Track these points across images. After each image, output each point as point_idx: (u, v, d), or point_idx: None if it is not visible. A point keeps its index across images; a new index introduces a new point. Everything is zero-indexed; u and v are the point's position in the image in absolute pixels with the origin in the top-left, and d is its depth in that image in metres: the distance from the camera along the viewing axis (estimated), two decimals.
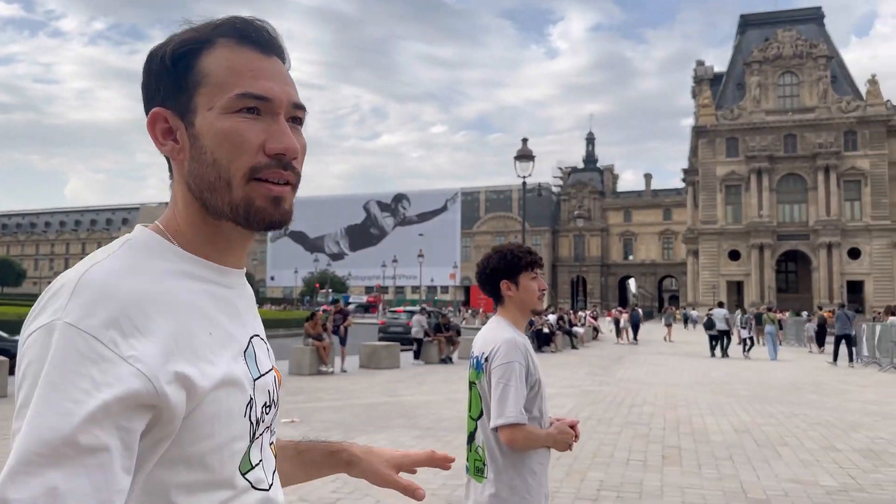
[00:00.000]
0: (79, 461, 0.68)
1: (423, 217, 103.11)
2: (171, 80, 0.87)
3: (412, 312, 25.08)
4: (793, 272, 67.14)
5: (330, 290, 71.38)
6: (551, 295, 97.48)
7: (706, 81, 69.49)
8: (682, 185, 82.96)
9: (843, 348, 20.33)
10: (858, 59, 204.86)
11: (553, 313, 26.32)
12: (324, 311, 23.14)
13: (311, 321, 15.64)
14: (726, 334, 23.74)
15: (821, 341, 26.33)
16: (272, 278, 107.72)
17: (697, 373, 17.20)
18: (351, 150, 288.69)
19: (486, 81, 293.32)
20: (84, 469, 0.68)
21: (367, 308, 66.57)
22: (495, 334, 2.39)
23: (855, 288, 62.30)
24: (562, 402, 10.82)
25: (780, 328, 25.63)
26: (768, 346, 22.67)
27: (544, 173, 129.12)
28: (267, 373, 0.91)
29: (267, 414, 0.90)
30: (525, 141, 23.29)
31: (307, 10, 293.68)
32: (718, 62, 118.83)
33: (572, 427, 2.37)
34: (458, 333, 28.11)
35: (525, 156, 22.96)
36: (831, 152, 62.00)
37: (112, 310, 0.74)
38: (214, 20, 0.89)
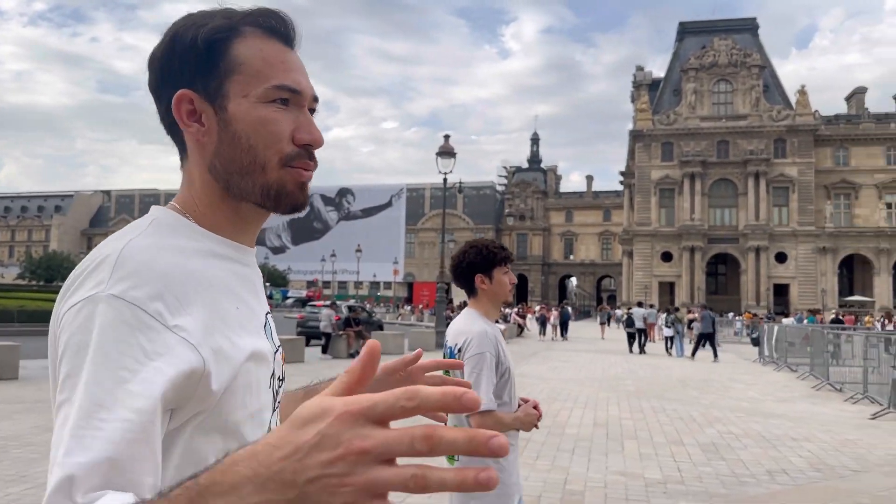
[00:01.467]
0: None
1: (368, 212, 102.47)
2: (201, 63, 0.89)
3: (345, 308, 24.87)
4: (723, 274, 69.19)
5: (268, 285, 70.24)
6: None
7: (645, 86, 70.96)
8: (622, 187, 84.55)
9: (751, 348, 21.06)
10: (797, 70, 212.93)
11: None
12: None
13: None
14: (643, 332, 25.04)
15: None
16: None
17: (599, 369, 17.54)
18: None
19: (438, 78, 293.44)
20: (141, 435, 0.70)
21: (304, 303, 65.80)
22: (468, 326, 2.52)
23: (781, 291, 64.58)
24: None
25: (690, 327, 26.43)
26: (676, 344, 23.64)
27: (492, 172, 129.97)
28: (279, 347, 0.97)
29: (280, 387, 0.96)
30: (447, 137, 23.35)
31: (259, 1, 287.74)
32: (663, 68, 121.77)
33: (535, 408, 2.52)
34: (381, 328, 28.06)
35: (446, 152, 23.03)
36: (761, 159, 64.07)
37: (155, 283, 0.77)
38: (241, 8, 0.93)
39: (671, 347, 24.29)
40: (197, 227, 0.90)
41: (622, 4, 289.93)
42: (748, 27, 70.15)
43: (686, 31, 71.54)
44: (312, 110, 0.95)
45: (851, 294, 64.08)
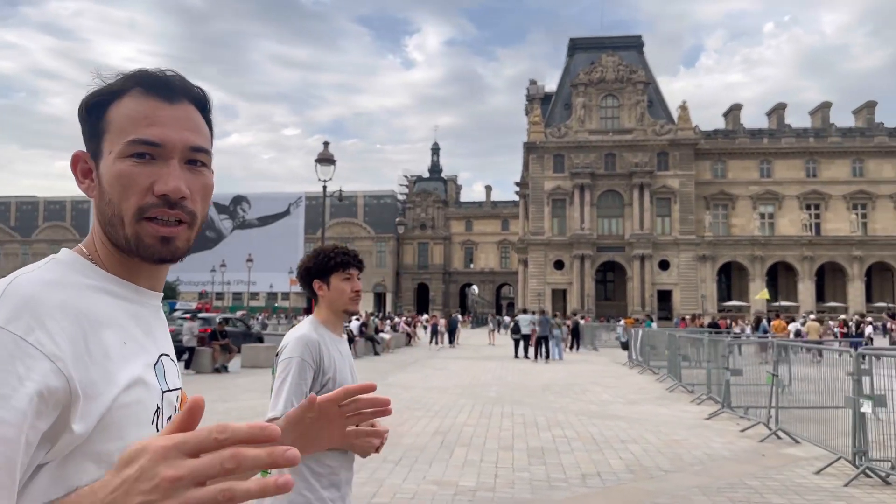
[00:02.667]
0: None
1: (265, 221, 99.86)
2: (87, 126, 0.97)
3: (206, 320, 23.85)
4: (611, 281, 71.92)
5: None
6: (395, 301, 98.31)
7: (538, 100, 72.95)
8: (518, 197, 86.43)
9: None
10: (685, 88, 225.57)
11: (357, 319, 26.08)
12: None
13: None
14: (527, 338, 25.64)
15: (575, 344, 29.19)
16: None
17: (470, 375, 17.62)
18: None
19: (342, 86, 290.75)
20: (3, 461, 0.73)
21: (194, 315, 63.18)
22: (293, 332, 2.44)
23: (664, 297, 67.77)
24: None
25: (577, 333, 27.48)
26: (552, 348, 24.58)
27: (395, 181, 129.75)
28: (174, 389, 0.99)
29: None
30: (326, 144, 22.96)
31: (152, 1, 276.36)
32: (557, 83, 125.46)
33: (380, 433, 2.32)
34: (260, 340, 27.14)
35: (326, 159, 22.62)
36: (646, 171, 67.15)
37: (37, 314, 0.81)
38: (126, 73, 0.98)
39: (543, 351, 24.74)
40: (94, 268, 0.94)
41: (522, 20, 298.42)
42: (634, 45, 73.53)
43: (576, 47, 74.18)
44: (195, 160, 0.96)
45: (730, 299, 68.17)
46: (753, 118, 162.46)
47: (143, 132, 0.94)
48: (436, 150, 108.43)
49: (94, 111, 0.96)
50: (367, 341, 25.02)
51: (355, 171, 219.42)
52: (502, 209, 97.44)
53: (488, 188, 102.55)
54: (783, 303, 64.69)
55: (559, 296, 69.13)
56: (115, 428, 0.85)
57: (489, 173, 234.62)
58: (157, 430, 0.92)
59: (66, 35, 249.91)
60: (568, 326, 27.47)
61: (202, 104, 1.01)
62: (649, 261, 66.76)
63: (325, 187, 22.29)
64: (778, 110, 76.33)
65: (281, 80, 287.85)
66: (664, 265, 67.61)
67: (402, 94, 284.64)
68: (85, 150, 0.98)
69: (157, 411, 0.92)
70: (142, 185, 0.92)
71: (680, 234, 67.48)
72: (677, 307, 65.26)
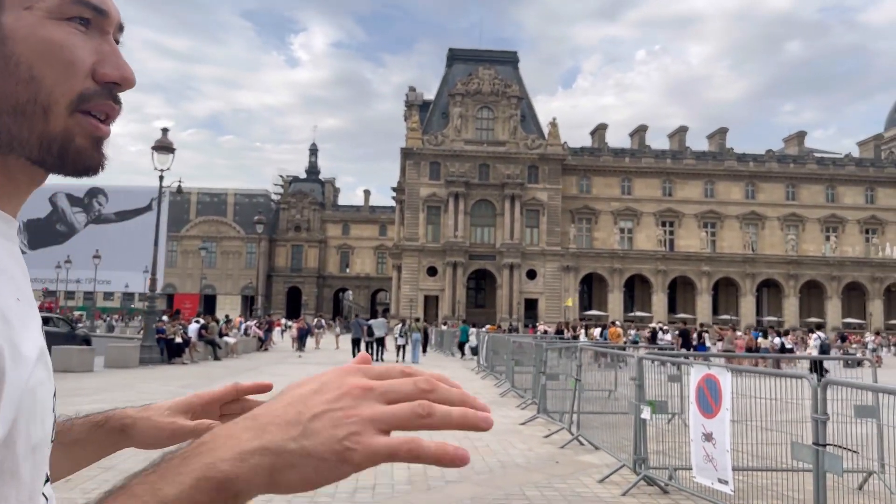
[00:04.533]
0: None
1: (123, 216, 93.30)
2: None
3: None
4: (482, 289, 73.12)
5: None
6: (265, 305, 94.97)
7: (416, 107, 73.18)
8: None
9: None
10: (562, 107, 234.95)
11: (197, 322, 24.53)
12: None
13: None
14: (381, 342, 26.35)
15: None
16: None
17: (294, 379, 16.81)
18: None
19: (221, 80, 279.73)
20: None
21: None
22: None
23: (531, 305, 69.70)
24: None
25: (426, 337, 27.81)
26: (412, 352, 25.58)
27: (270, 180, 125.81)
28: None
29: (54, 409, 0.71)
30: (165, 131, 21.40)
31: None
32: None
33: None
34: (87, 342, 24.86)
35: (163, 147, 21.09)
36: (517, 183, 68.90)
37: None
38: None
39: (402, 355, 26.47)
40: None
41: (411, 29, 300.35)
42: (510, 60, 75.45)
43: (455, 57, 75.10)
44: (117, 42, 0.73)
45: (590, 308, 71.14)
46: (619, 138, 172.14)
47: None
48: (314, 150, 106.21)
49: None
50: (207, 345, 23.54)
51: (232, 169, 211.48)
52: (380, 214, 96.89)
53: (367, 192, 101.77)
54: (638, 313, 68.43)
55: (432, 302, 69.40)
56: (21, 422, 0.59)
57: (373, 178, 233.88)
58: (54, 420, 0.68)
59: None
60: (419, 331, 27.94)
61: None
62: (518, 270, 68.47)
63: (161, 178, 20.77)
64: (640, 132, 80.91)
65: (155, 70, 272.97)
66: (532, 274, 69.57)
67: (285, 92, 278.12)
68: None
69: (54, 393, 0.68)
70: (85, 64, 0.67)
71: (547, 245, 69.72)
72: (542, 315, 67.26)
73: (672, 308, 71.39)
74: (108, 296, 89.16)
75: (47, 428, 0.64)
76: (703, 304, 70.45)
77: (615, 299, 70.85)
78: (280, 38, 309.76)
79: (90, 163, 0.69)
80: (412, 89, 76.03)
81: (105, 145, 0.71)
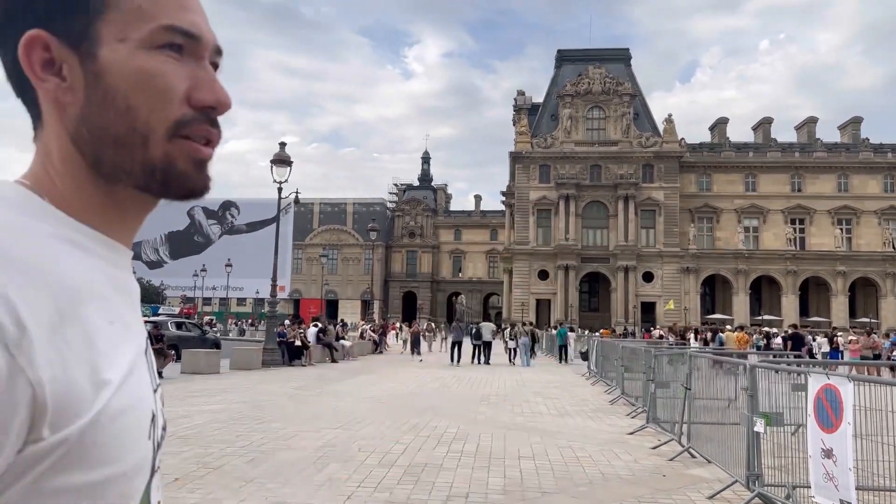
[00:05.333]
0: None
1: (253, 227, 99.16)
2: None
3: (155, 324, 23.20)
4: (595, 292, 71.44)
5: None
6: (382, 309, 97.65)
7: (525, 110, 72.77)
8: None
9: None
10: (680, 103, 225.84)
11: (316, 326, 25.53)
12: None
13: None
14: (488, 345, 26.61)
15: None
16: None
17: (414, 384, 17.06)
18: None
19: (341, 96, 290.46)
20: None
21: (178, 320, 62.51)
22: None
23: (648, 308, 67.32)
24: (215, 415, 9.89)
25: (535, 340, 27.84)
26: (522, 356, 25.61)
27: (386, 188, 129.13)
28: (159, 385, 0.75)
29: (163, 438, 0.73)
30: (283, 145, 22.49)
31: None
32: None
33: None
34: (217, 346, 26.47)
35: (281, 160, 22.14)
36: (631, 183, 66.86)
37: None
38: None
39: (514, 358, 26.80)
40: (54, 210, 0.67)
41: (520, 33, 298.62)
42: (621, 57, 73.43)
43: (563, 58, 74.04)
44: (215, 66, 0.74)
45: (713, 312, 67.69)
46: (741, 133, 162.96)
47: (178, 17, 0.69)
48: (426, 158, 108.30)
49: None
50: (325, 348, 24.45)
51: (352, 180, 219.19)
52: (491, 218, 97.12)
53: (477, 197, 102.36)
54: (766, 316, 64.30)
55: (544, 306, 68.66)
56: (107, 448, 0.60)
57: (485, 184, 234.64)
58: (155, 446, 0.68)
59: None
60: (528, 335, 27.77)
61: None
62: (633, 272, 66.37)
63: (279, 189, 21.81)
64: (764, 125, 76.26)
65: (281, 89, 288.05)
66: (648, 277, 67.22)
67: (400, 104, 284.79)
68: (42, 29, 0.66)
69: (153, 419, 0.68)
70: (179, 91, 0.68)
71: (664, 246, 67.14)
72: (660, 318, 64.76)
73: (804, 311, 66.60)
74: (241, 301, 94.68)
75: (139, 455, 0.64)
76: (839, 306, 65.20)
77: (740, 302, 67.01)
78: (395, 51, 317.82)
79: (194, 185, 0.71)
80: (521, 93, 75.70)
81: (208, 168, 0.71)
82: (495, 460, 7.86)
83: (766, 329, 35.82)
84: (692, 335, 31.93)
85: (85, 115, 0.67)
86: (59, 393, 0.57)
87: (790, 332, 26.48)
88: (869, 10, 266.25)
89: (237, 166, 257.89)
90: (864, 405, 5.43)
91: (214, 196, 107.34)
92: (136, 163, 0.67)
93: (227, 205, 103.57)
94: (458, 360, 25.18)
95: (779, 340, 25.66)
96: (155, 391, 0.71)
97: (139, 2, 0.67)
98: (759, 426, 6.36)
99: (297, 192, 24.46)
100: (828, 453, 5.21)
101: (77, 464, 0.59)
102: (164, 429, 0.74)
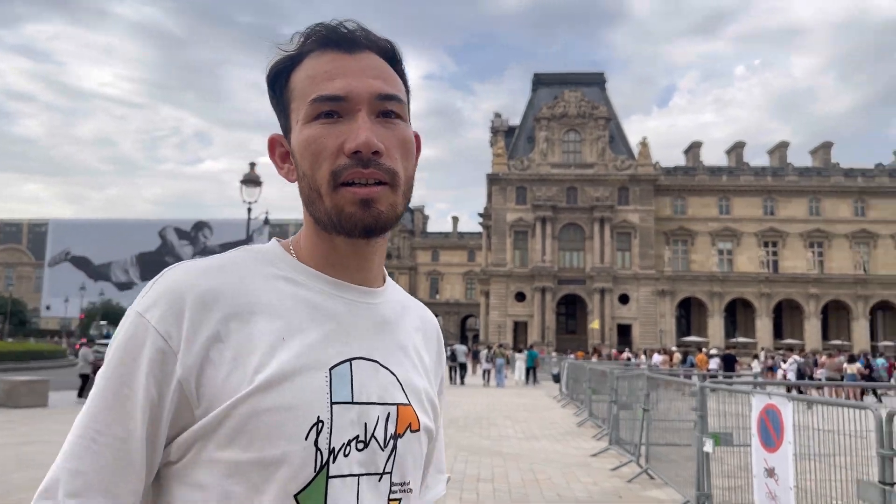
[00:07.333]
0: (104, 442, 0.75)
1: (226, 248, 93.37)
2: (275, 104, 0.89)
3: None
4: (573, 315, 71.68)
5: (104, 323, 65.14)
6: None
7: (502, 132, 73.41)
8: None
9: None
10: (658, 127, 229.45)
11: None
12: (81, 344, 20.77)
13: None
14: (464, 366, 26.92)
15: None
16: (48, 307, 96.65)
17: None
18: (170, 174, 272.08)
19: None
20: (124, 454, 0.75)
21: (91, 340, 61.19)
22: None
23: (624, 331, 67.66)
24: None
25: (508, 363, 27.92)
26: (497, 377, 25.91)
27: None
28: (369, 404, 0.84)
29: (360, 451, 0.82)
30: (252, 166, 22.39)
31: (130, 26, 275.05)
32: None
33: None
34: None
35: (251, 181, 22.05)
36: (606, 206, 67.50)
37: (174, 303, 0.77)
38: (301, 33, 0.88)
39: (488, 379, 27.36)
40: (289, 258, 0.87)
41: (500, 56, 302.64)
42: (596, 81, 74.54)
43: (540, 81, 74.97)
44: (388, 112, 0.85)
45: (689, 334, 68.23)
46: (716, 157, 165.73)
47: (323, 88, 0.83)
48: None
49: (277, 85, 0.87)
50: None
51: None
52: (469, 240, 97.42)
53: (455, 219, 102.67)
54: (741, 339, 64.93)
55: (521, 328, 68.70)
56: (247, 435, 0.76)
57: (464, 205, 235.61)
58: (318, 448, 0.78)
59: (43, 58, 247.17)
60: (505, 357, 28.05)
61: (390, 55, 0.90)
62: (609, 294, 66.75)
63: (249, 210, 21.68)
64: (737, 148, 77.67)
65: (259, 109, 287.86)
66: (624, 299, 67.63)
67: None
68: (281, 132, 0.89)
69: (316, 424, 0.78)
70: (333, 147, 0.82)
71: (640, 268, 67.69)
72: (637, 341, 65.12)
73: (778, 333, 67.40)
74: None
75: (284, 449, 0.76)
76: (812, 328, 66.08)
77: (715, 324, 67.64)
78: None
79: (363, 223, 0.82)
80: (497, 115, 76.42)
81: (378, 204, 0.82)
82: (454, 484, 7.82)
83: (712, 350, 36.59)
84: (641, 356, 32.56)
85: (299, 187, 0.86)
86: (204, 387, 0.76)
87: (723, 352, 27.24)
88: (844, 37, 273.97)
89: (212, 185, 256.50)
90: (820, 427, 5.51)
91: (188, 216, 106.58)
92: (321, 213, 0.83)
93: (200, 225, 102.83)
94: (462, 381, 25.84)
95: (713, 363, 25.94)
96: (342, 403, 0.80)
97: (303, 87, 0.84)
98: (708, 446, 6.42)
99: (266, 214, 24.32)
100: (770, 472, 5.27)
101: (226, 444, 0.76)
102: (366, 443, 0.82)
